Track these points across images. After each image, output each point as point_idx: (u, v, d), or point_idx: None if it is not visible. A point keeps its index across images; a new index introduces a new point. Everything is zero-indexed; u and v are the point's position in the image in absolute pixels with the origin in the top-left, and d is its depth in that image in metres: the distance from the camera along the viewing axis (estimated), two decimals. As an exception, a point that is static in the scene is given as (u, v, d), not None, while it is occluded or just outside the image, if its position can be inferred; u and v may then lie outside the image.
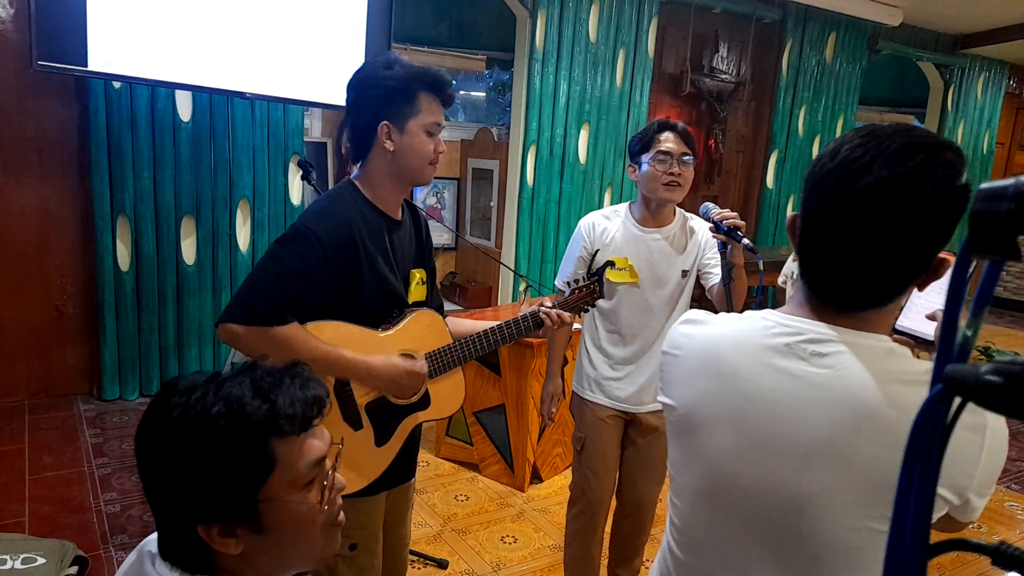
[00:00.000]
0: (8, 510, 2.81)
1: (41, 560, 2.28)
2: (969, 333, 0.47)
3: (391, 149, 1.57)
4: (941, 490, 0.85)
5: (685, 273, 2.14)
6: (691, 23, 5.80)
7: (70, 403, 3.94)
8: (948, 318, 0.48)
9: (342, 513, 0.92)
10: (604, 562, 2.42)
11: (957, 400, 0.48)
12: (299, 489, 0.84)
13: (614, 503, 2.33)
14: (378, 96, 1.55)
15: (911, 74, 7.84)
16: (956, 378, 0.44)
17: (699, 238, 2.15)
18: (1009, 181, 0.44)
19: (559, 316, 1.74)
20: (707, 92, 6.01)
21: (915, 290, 0.94)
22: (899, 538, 0.51)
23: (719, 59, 6.02)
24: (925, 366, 0.89)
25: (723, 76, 6.04)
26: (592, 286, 1.85)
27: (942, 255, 0.88)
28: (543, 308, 1.75)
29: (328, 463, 0.88)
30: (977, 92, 7.75)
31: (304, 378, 0.86)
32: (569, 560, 2.37)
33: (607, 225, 2.18)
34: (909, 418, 0.86)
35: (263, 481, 0.81)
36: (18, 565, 2.25)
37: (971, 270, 0.48)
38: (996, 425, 0.87)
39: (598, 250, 2.12)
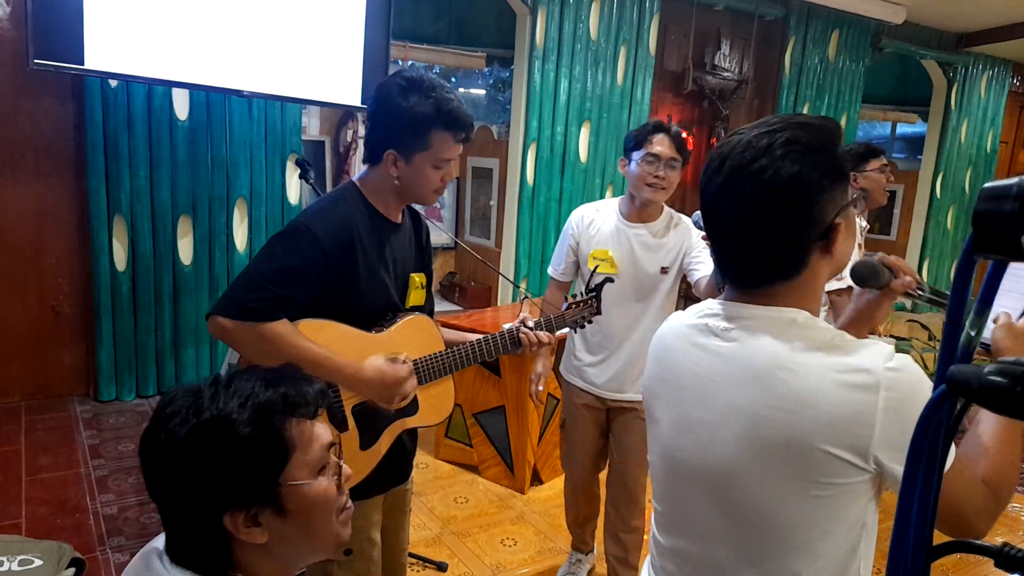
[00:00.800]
0: (4, 511, 2.80)
1: (38, 562, 2.26)
2: (973, 333, 0.48)
3: (395, 175, 1.55)
4: (835, 450, 0.87)
5: (664, 270, 2.22)
6: (693, 20, 5.79)
7: (66, 404, 3.93)
8: (951, 318, 0.48)
9: (350, 500, 0.97)
10: (604, 564, 2.44)
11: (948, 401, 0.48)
12: (315, 473, 0.89)
13: (607, 492, 2.43)
14: (390, 124, 1.52)
15: (914, 72, 7.82)
16: (959, 379, 0.44)
17: (682, 238, 2.22)
18: (1013, 180, 0.45)
19: (537, 338, 1.74)
20: (709, 90, 5.98)
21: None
22: (901, 539, 0.51)
23: (721, 57, 6.00)
24: (823, 335, 0.93)
25: (725, 74, 6.01)
26: (590, 302, 1.88)
27: (839, 221, 0.92)
28: (523, 328, 1.74)
29: (334, 451, 0.95)
30: (981, 90, 7.73)
31: (303, 374, 0.93)
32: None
33: (595, 217, 2.30)
34: (804, 383, 0.89)
35: (284, 465, 0.86)
36: (15, 567, 2.24)
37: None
38: (898, 385, 0.86)
39: (596, 267, 2.20)
